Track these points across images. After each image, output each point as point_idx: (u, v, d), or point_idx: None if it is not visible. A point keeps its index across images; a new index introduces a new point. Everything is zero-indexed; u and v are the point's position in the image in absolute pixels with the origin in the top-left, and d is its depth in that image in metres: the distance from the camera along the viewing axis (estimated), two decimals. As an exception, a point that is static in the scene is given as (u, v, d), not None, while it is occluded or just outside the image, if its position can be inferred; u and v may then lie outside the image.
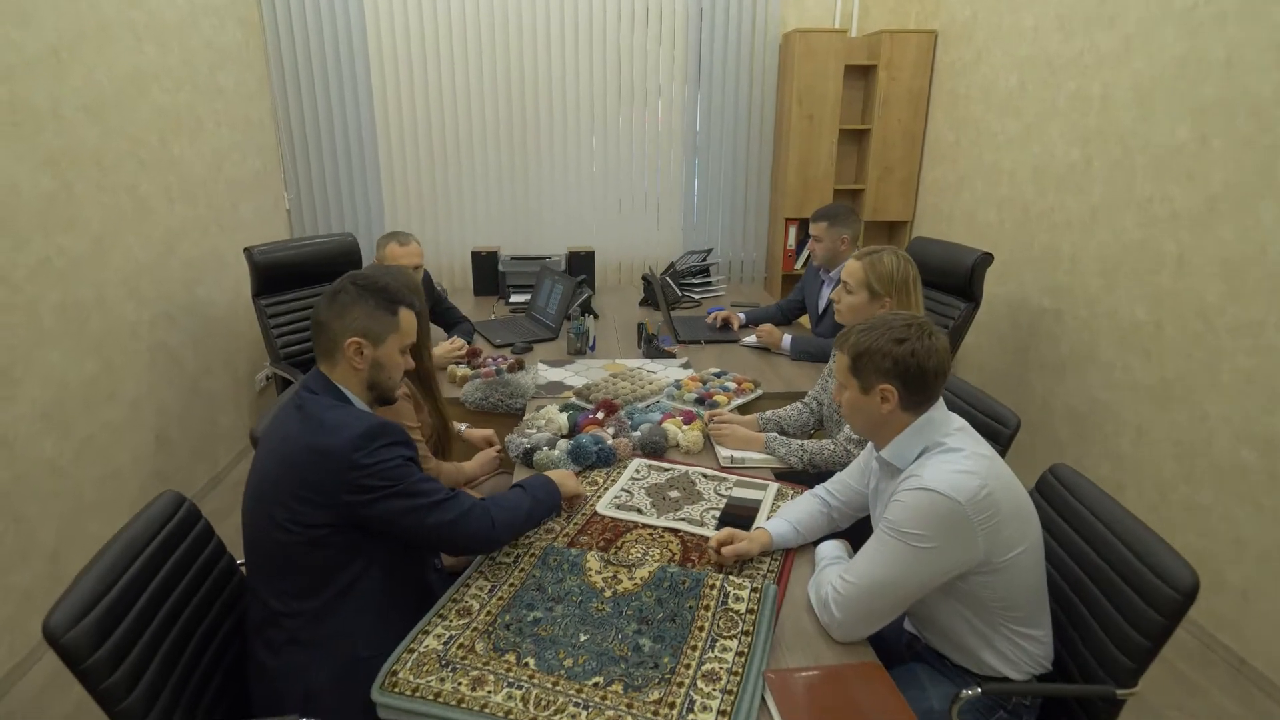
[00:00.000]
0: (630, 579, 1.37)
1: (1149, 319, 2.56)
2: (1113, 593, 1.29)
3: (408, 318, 1.44)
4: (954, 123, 3.79)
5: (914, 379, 1.29)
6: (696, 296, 3.76)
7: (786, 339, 2.84)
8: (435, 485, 1.34)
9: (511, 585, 1.37)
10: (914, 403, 1.32)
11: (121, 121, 2.56)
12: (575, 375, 2.58)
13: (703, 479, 1.83)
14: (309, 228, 4.03)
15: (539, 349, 2.89)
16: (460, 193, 4.10)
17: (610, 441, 1.93)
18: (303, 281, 3.00)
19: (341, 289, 1.39)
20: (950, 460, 1.25)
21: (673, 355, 2.78)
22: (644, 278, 3.56)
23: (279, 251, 2.88)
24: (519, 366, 2.55)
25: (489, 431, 2.18)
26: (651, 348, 2.79)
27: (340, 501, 1.24)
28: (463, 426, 2.24)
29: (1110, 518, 1.36)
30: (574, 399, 2.32)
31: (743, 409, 2.32)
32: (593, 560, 1.42)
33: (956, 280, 2.98)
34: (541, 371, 2.59)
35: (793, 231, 4.26)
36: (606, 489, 1.78)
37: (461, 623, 1.27)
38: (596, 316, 3.36)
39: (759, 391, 2.43)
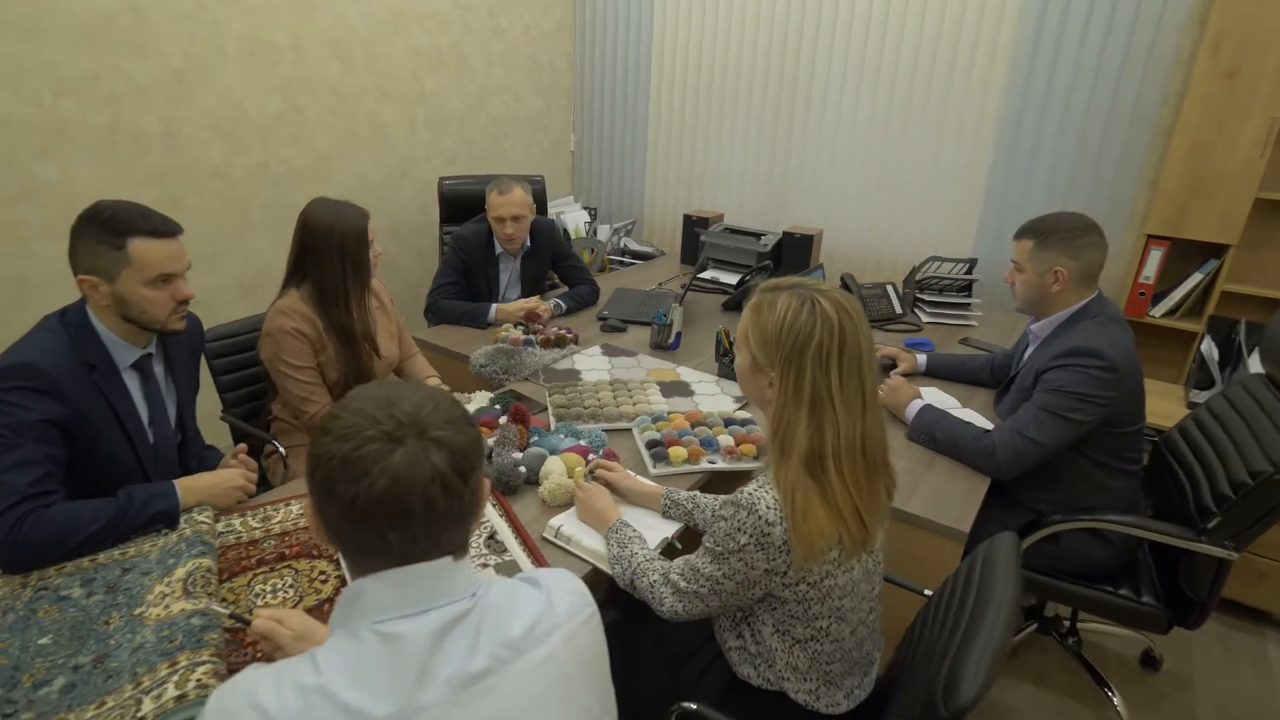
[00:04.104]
0: (169, 606, 1.12)
1: None
2: None
3: (141, 248, 1.29)
4: None
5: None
6: (925, 319, 2.75)
7: (915, 405, 1.88)
8: (20, 460, 1.17)
9: (122, 553, 1.25)
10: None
11: (368, 57, 3.00)
12: (606, 371, 2.17)
13: (488, 545, 1.37)
14: (587, 170, 4.19)
15: (635, 331, 2.51)
16: (719, 152, 3.69)
17: (462, 453, 1.58)
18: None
19: (74, 223, 1.30)
20: (291, 675, 0.67)
21: (747, 381, 2.10)
22: (842, 279, 2.74)
23: (463, 185, 3.07)
24: (553, 343, 2.27)
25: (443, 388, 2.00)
26: (724, 365, 2.16)
27: None
28: (433, 381, 2.11)
29: None
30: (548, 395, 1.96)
31: (705, 486, 1.64)
32: (185, 568, 1.20)
33: None
34: (581, 357, 2.25)
35: (1156, 256, 2.73)
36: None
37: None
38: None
39: (758, 464, 1.68)
